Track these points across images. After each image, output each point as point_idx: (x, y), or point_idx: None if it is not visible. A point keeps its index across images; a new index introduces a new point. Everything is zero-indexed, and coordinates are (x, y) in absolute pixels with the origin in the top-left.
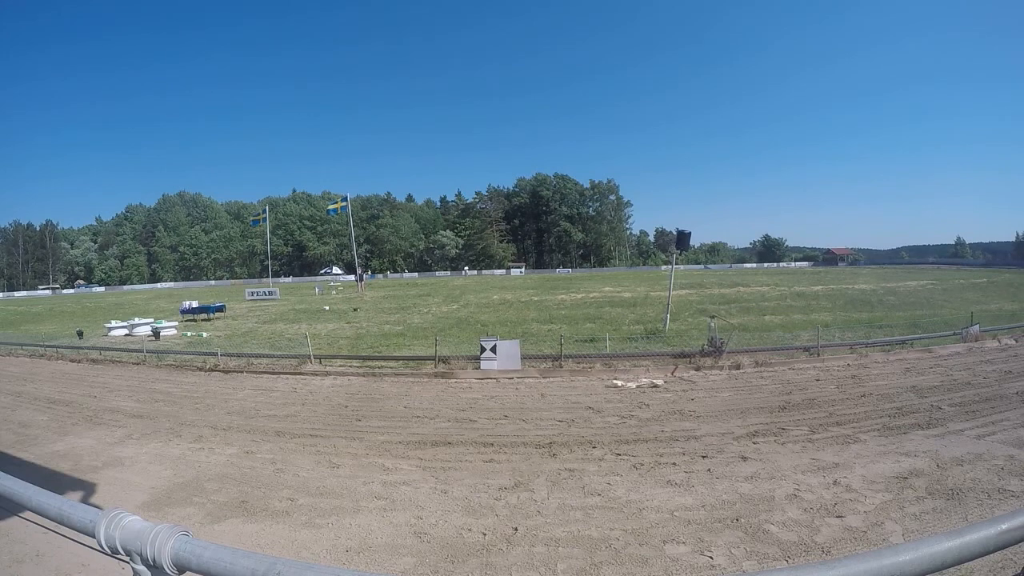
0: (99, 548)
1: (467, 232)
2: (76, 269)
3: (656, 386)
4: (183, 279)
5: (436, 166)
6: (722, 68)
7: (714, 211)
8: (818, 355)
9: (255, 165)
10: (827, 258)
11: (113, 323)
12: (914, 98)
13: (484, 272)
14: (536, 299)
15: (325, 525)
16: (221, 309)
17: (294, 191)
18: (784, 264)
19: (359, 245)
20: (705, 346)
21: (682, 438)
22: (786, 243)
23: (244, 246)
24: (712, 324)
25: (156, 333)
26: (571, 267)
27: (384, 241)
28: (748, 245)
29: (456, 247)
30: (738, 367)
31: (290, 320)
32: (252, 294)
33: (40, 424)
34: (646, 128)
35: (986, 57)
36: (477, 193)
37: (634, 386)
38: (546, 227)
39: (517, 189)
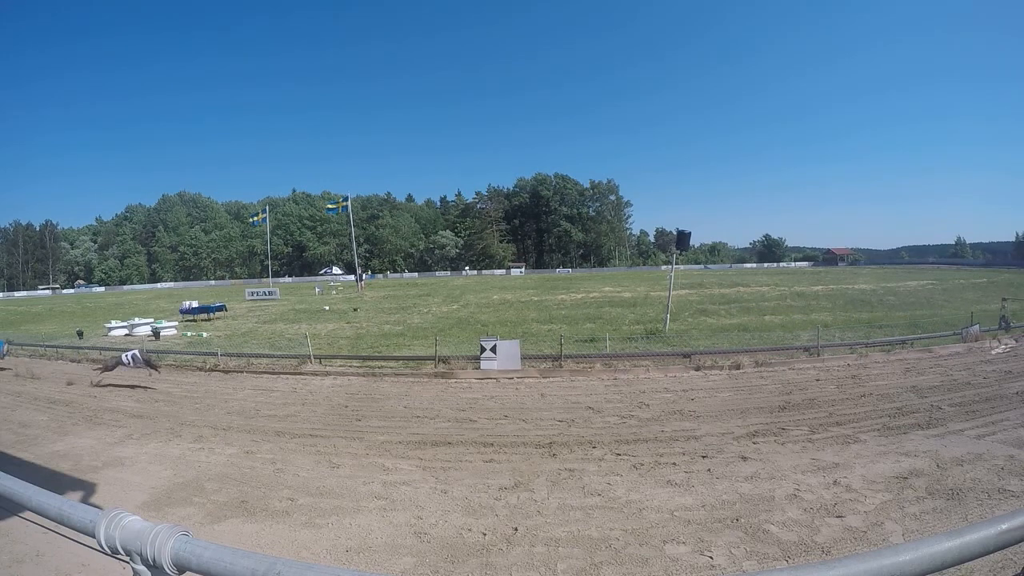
0: (99, 548)
1: (467, 232)
2: (76, 269)
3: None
4: (183, 279)
5: (436, 166)
6: (722, 68)
7: (714, 211)
8: (818, 355)
9: (255, 165)
10: (827, 258)
11: (113, 323)
12: (914, 98)
13: (484, 272)
14: (536, 299)
15: (325, 525)
16: (221, 309)
17: (294, 191)
18: (784, 264)
19: (359, 245)
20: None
21: (682, 438)
22: (786, 243)
23: (244, 246)
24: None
25: (156, 333)
26: (571, 267)
27: (384, 241)
28: (748, 245)
29: (456, 247)
30: (738, 367)
31: (290, 320)
32: (252, 294)
33: (40, 424)
34: (646, 128)
35: (986, 57)
36: (477, 193)
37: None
38: (546, 227)
39: (517, 189)
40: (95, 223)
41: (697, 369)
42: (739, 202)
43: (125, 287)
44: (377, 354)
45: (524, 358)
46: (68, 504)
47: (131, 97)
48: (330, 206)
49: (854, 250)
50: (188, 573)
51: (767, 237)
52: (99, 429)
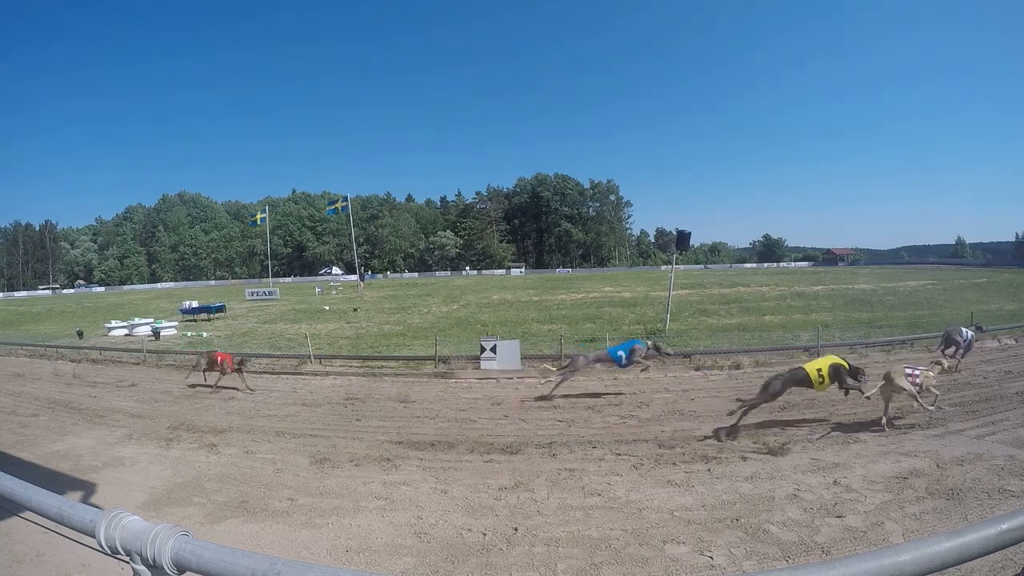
0: (99, 548)
1: (467, 232)
2: (76, 269)
3: None
4: (183, 279)
5: (436, 166)
6: (722, 67)
7: (714, 211)
8: (818, 355)
9: (255, 165)
10: (827, 258)
11: (113, 323)
12: (914, 97)
13: (484, 272)
14: (536, 299)
15: (325, 525)
16: (221, 309)
17: (294, 191)
18: (784, 264)
19: (359, 245)
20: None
21: (682, 438)
22: (786, 243)
23: (244, 246)
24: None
25: (156, 333)
26: (571, 267)
27: (384, 241)
28: (748, 245)
29: (456, 247)
30: (738, 367)
31: (290, 320)
32: (252, 294)
33: (40, 424)
34: (646, 127)
35: (986, 55)
36: (477, 193)
37: None
38: (546, 227)
39: (517, 189)
40: (95, 223)
41: (697, 369)
42: (739, 202)
43: (125, 287)
44: (377, 354)
45: (524, 358)
46: (68, 504)
47: (131, 96)
48: (330, 206)
49: (854, 250)
50: (188, 573)
51: (767, 237)
52: (99, 429)
